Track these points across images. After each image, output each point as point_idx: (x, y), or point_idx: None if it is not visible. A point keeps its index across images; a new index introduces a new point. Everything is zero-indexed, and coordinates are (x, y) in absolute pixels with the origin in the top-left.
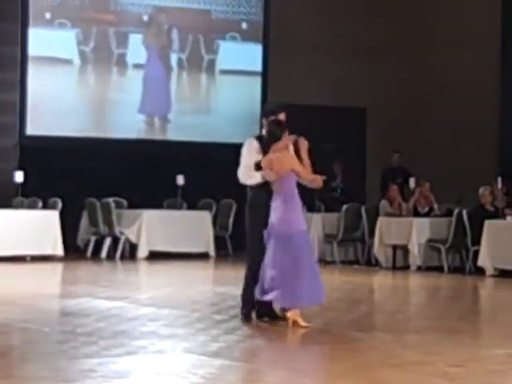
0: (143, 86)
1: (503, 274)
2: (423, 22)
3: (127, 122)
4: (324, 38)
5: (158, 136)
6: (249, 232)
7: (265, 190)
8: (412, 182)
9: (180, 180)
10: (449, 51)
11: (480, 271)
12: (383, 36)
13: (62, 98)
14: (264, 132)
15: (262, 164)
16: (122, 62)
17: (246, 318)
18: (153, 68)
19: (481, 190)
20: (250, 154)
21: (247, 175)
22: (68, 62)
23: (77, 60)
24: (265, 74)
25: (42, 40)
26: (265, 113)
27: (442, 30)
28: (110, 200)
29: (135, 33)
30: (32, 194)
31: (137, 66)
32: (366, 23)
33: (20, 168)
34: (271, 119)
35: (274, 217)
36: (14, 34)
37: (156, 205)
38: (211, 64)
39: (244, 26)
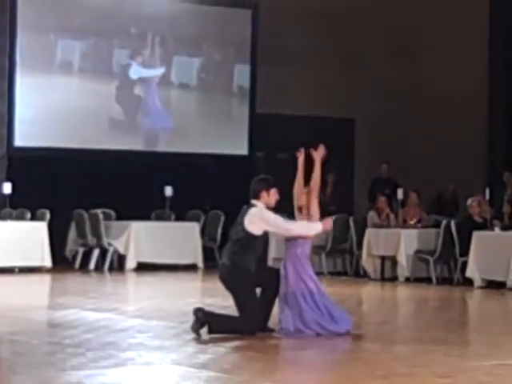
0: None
1: (491, 285)
2: (411, 33)
3: (116, 133)
4: (312, 49)
5: (146, 147)
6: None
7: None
8: (400, 193)
9: (168, 191)
10: (436, 62)
11: (468, 282)
12: (371, 47)
13: (53, 108)
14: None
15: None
16: (119, 73)
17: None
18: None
19: (469, 201)
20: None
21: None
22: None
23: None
24: (253, 85)
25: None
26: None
27: (430, 41)
28: (98, 211)
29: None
30: (20, 206)
31: (129, 80)
32: (355, 35)
33: (8, 179)
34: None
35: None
36: (2, 44)
37: (144, 216)
38: (197, 76)
39: (233, 39)
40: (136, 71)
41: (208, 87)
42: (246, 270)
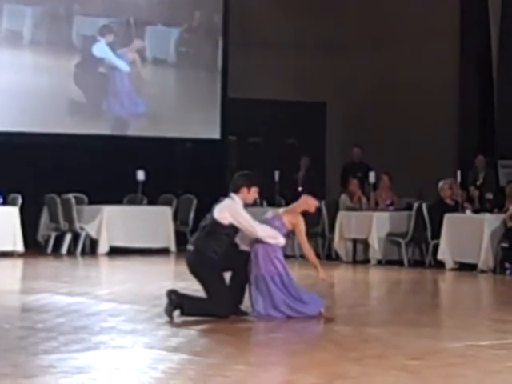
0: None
1: (463, 267)
2: (384, 18)
3: (87, 117)
4: (284, 33)
5: (118, 131)
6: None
7: None
8: (372, 176)
9: (140, 175)
10: (409, 46)
11: (440, 265)
12: (344, 31)
13: (19, 91)
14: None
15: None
16: (80, 46)
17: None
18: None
19: (440, 184)
20: (244, 211)
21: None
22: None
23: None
24: (225, 69)
25: None
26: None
27: (403, 26)
28: (71, 196)
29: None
30: None
31: (96, 60)
32: (327, 18)
33: None
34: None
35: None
36: None
37: (116, 200)
38: (170, 57)
39: (205, 21)
40: (101, 49)
41: (188, 63)
42: (209, 257)
